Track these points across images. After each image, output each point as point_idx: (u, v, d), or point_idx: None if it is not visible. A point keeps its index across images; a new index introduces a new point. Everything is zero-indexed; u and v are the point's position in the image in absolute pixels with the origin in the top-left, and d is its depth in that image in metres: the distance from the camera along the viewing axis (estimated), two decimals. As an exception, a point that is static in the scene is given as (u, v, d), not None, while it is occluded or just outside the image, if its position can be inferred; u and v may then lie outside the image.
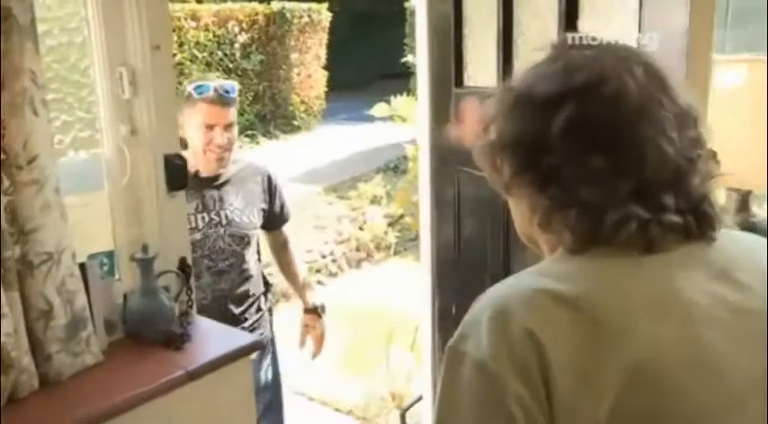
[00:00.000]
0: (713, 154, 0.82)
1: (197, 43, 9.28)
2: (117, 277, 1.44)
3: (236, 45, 9.87)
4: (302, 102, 11.06)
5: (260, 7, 10.36)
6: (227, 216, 2.20)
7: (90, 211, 1.43)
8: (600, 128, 0.77)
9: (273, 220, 2.39)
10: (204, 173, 2.17)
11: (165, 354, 1.30)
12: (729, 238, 0.83)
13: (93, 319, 1.27)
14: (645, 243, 0.76)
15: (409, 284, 4.47)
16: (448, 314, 2.53)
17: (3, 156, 1.10)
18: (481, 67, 2.18)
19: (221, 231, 2.18)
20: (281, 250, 2.50)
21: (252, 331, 2.26)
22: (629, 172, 0.76)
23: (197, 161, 2.14)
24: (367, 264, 6.76)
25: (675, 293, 0.75)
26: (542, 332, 0.71)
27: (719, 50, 2.12)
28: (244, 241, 2.22)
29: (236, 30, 9.78)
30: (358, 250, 6.80)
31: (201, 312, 1.80)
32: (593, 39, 0.87)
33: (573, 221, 0.79)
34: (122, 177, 1.40)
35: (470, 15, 2.18)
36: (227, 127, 2.16)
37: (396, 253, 6.80)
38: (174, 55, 8.86)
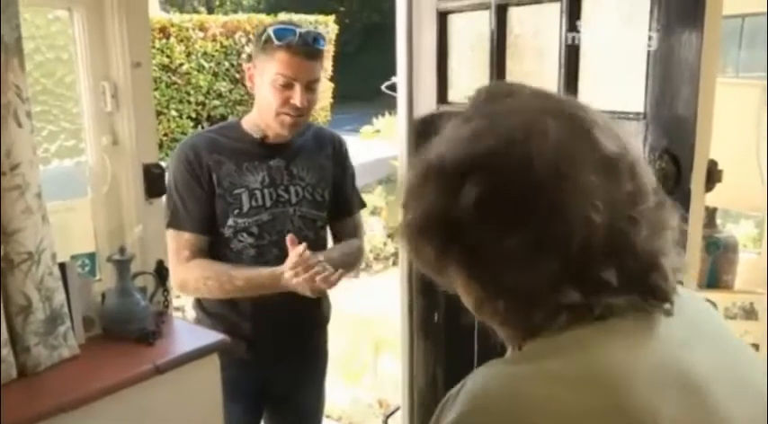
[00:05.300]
0: (663, 203, 0.71)
1: (204, 53, 9.43)
2: (98, 277, 1.54)
3: (243, 55, 10.02)
4: (308, 113, 11.19)
5: (267, 19, 10.51)
6: (297, 193, 1.85)
7: (74, 215, 1.52)
8: (511, 202, 0.67)
9: (341, 204, 1.98)
10: (272, 140, 1.84)
11: (138, 349, 1.39)
12: (682, 298, 0.72)
13: (71, 315, 1.36)
14: (593, 318, 0.67)
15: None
16: (430, 322, 2.59)
17: (-13, 164, 1.21)
18: (469, 82, 2.22)
19: (290, 211, 1.82)
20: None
21: (310, 340, 2.03)
22: (554, 251, 0.66)
23: (264, 123, 1.81)
24: (365, 274, 6.85)
25: (675, 364, 0.67)
26: None
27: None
28: (315, 225, 1.87)
29: (244, 40, 9.92)
30: (357, 260, 6.88)
31: (261, 313, 1.82)
32: (509, 87, 0.78)
33: (503, 313, 0.71)
34: (104, 184, 1.50)
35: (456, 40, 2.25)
36: (310, 84, 1.77)
37: (394, 264, 6.88)
38: (182, 64, 9.05)
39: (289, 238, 1.73)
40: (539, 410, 0.61)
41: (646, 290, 0.68)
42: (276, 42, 1.71)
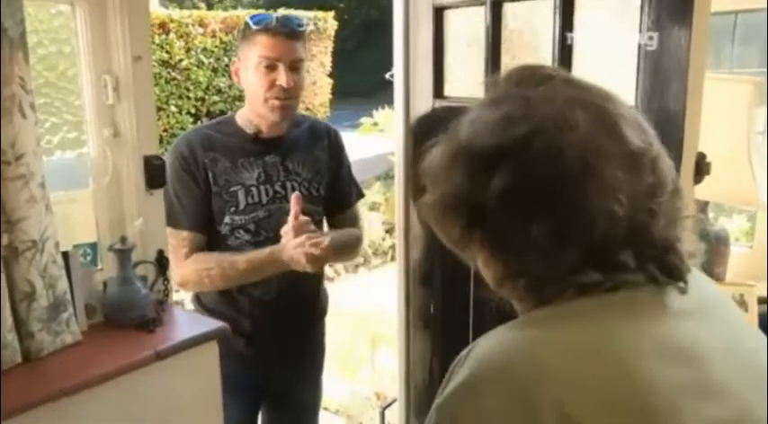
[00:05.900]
0: (678, 191, 0.75)
1: (204, 49, 9.43)
2: (99, 266, 1.57)
3: (243, 52, 10.02)
4: (306, 109, 11.22)
5: (267, 15, 10.53)
6: (293, 189, 1.84)
7: (76, 206, 1.55)
8: (537, 193, 0.69)
9: (338, 198, 1.98)
10: (266, 134, 1.85)
11: (139, 336, 1.43)
12: (695, 279, 0.76)
13: (74, 302, 1.40)
14: (604, 290, 0.70)
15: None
16: (427, 314, 2.62)
17: (-7, 154, 1.24)
18: (464, 77, 2.25)
19: (287, 207, 1.77)
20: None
21: (309, 334, 2.06)
22: (576, 240, 0.69)
23: (256, 114, 1.82)
24: (363, 269, 6.89)
25: (685, 338, 0.69)
26: (577, 406, 0.62)
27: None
28: (312, 220, 1.82)
29: (243, 36, 9.92)
30: (355, 255, 6.92)
31: (259, 309, 1.87)
32: (540, 72, 0.78)
33: (521, 291, 0.75)
34: (105, 176, 1.53)
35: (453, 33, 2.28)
36: (294, 64, 1.76)
37: (392, 259, 6.92)
38: (181, 60, 9.05)
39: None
40: (551, 377, 0.64)
41: (662, 269, 0.71)
42: (254, 27, 1.75)
